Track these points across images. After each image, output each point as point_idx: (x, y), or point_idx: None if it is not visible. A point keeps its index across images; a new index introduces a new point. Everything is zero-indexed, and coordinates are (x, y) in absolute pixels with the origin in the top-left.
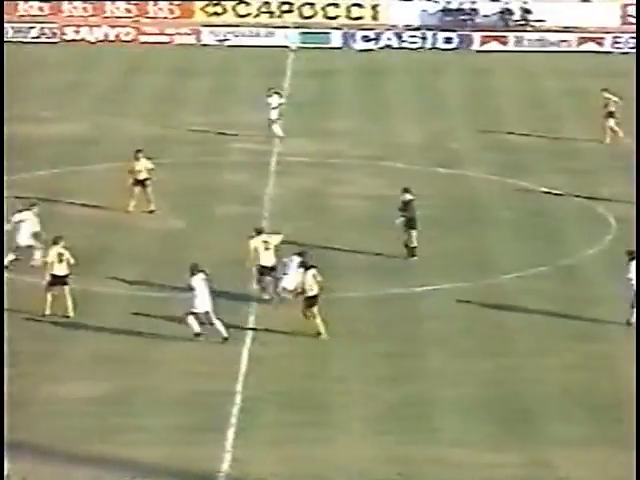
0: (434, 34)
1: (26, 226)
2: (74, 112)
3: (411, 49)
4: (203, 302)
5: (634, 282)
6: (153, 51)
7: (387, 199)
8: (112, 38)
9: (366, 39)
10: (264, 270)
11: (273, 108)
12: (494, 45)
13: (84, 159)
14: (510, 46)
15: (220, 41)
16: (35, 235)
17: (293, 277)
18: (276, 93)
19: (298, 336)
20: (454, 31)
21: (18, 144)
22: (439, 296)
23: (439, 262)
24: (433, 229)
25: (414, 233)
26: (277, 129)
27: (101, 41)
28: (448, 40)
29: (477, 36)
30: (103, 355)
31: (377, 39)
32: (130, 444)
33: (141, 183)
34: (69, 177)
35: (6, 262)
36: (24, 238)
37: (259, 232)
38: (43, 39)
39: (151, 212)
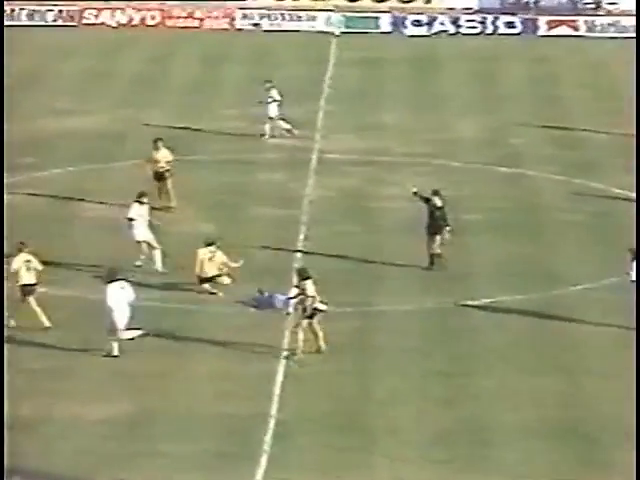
0: (494, 18)
1: (141, 222)
2: (94, 104)
3: (468, 35)
4: (120, 316)
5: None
6: (181, 36)
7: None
8: (136, 22)
9: (418, 24)
10: (202, 280)
11: (273, 102)
12: (562, 30)
13: (105, 156)
14: (580, 31)
15: (254, 25)
16: (150, 228)
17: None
18: (273, 87)
19: (339, 352)
20: (517, 15)
21: (32, 139)
22: (497, 309)
23: (497, 271)
24: (490, 234)
25: (437, 239)
26: (284, 124)
27: (124, 25)
28: (510, 25)
29: (543, 20)
30: (123, 372)
31: (430, 24)
32: (153, 471)
33: (160, 176)
34: (89, 176)
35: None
36: (141, 234)
37: (209, 244)
38: (60, 22)
39: (169, 209)
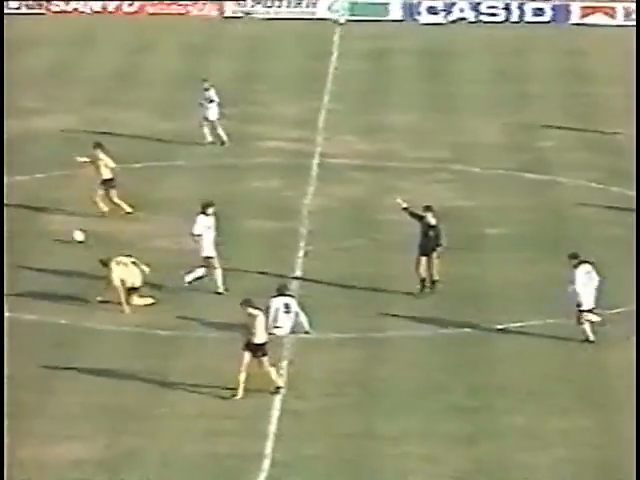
0: (520, 4)
1: (210, 233)
2: (64, 102)
3: (491, 23)
4: None
5: (578, 291)
6: (163, 25)
7: (458, 213)
8: (112, 9)
9: (433, 11)
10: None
11: (211, 104)
12: (597, 18)
13: (77, 162)
14: (617, 19)
15: (247, 13)
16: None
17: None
18: (212, 86)
19: (342, 385)
20: (546, 0)
21: None
22: (524, 336)
23: (524, 293)
24: (516, 250)
25: (432, 261)
26: (221, 132)
27: (98, 12)
28: (538, 12)
29: (576, 6)
30: (100, 407)
31: (448, 11)
32: None
33: (105, 183)
34: (57, 183)
35: (191, 278)
36: (209, 248)
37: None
38: (25, 10)
39: (128, 214)
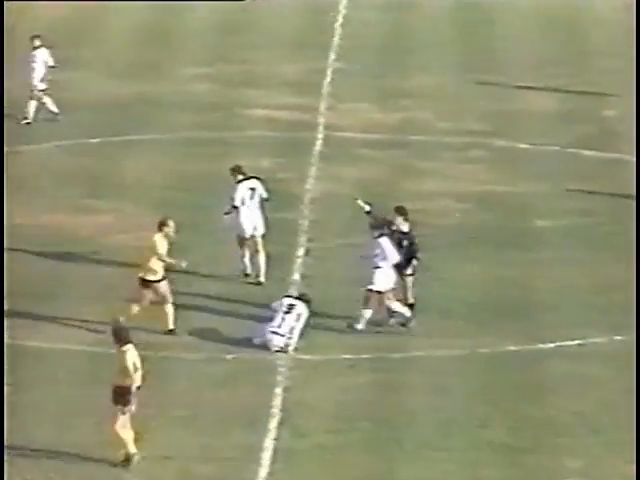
0: None
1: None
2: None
3: None
4: None
5: (378, 265)
6: None
7: (499, 201)
8: None
9: None
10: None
11: (42, 66)
12: None
13: (16, 136)
14: None
15: None
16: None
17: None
18: (42, 46)
19: (350, 418)
20: None
21: None
22: (586, 355)
23: (583, 301)
24: (573, 247)
25: (409, 282)
26: (49, 103)
27: None
28: None
29: None
30: (48, 448)
31: None
32: None
33: None
34: None
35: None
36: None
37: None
38: None
39: None
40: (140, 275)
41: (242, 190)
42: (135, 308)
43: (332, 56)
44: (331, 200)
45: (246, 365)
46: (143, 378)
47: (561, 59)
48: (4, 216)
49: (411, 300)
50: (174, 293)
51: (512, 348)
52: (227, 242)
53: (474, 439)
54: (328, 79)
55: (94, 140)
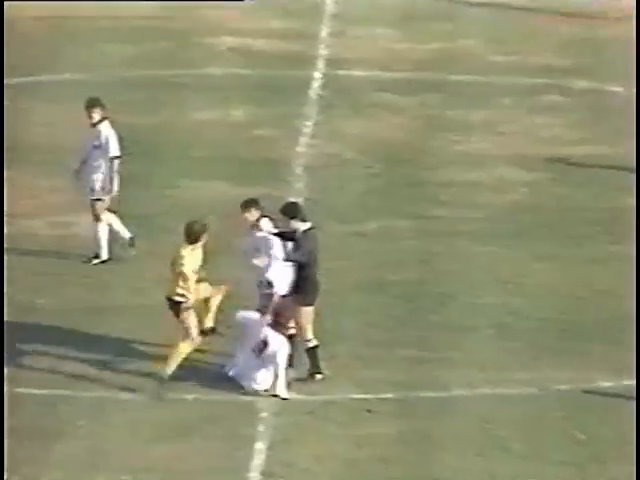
0: None
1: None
2: None
3: None
4: None
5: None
6: None
7: (583, 167)
8: None
9: None
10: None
11: None
12: None
13: None
14: None
15: None
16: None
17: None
18: None
19: (346, 463)
20: None
21: None
22: None
23: None
24: None
25: (308, 311)
26: None
27: None
28: None
29: None
30: None
31: None
32: None
33: None
34: None
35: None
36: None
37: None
38: None
39: None
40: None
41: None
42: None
43: None
44: (333, 169)
45: (214, 409)
46: None
47: None
48: None
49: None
50: None
51: (603, 384)
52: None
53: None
54: None
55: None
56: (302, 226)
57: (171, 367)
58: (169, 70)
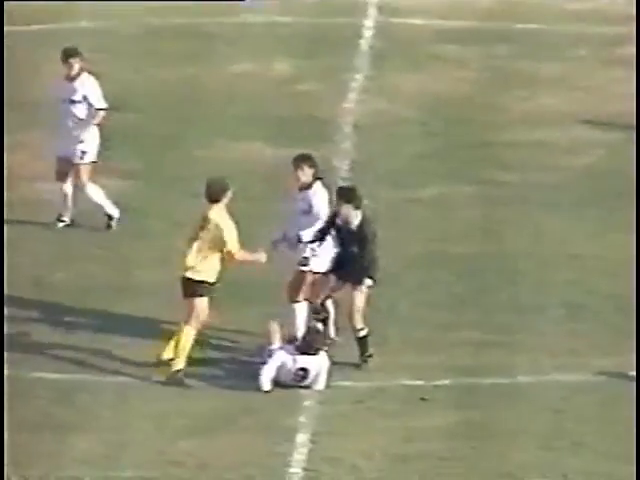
0: None
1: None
2: None
3: None
4: None
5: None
6: None
7: None
8: None
9: None
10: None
11: None
12: None
13: None
14: None
15: None
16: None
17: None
18: None
19: (397, 459)
20: None
21: None
22: None
23: None
24: None
25: (359, 303)
26: None
27: None
28: None
29: None
30: None
31: None
32: None
33: None
34: None
35: None
36: None
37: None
38: None
39: None
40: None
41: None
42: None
43: None
44: (385, 128)
45: (251, 399)
46: None
47: None
48: None
49: (361, 330)
50: None
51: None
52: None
53: None
54: None
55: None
56: (355, 216)
57: (183, 359)
58: (203, 19)
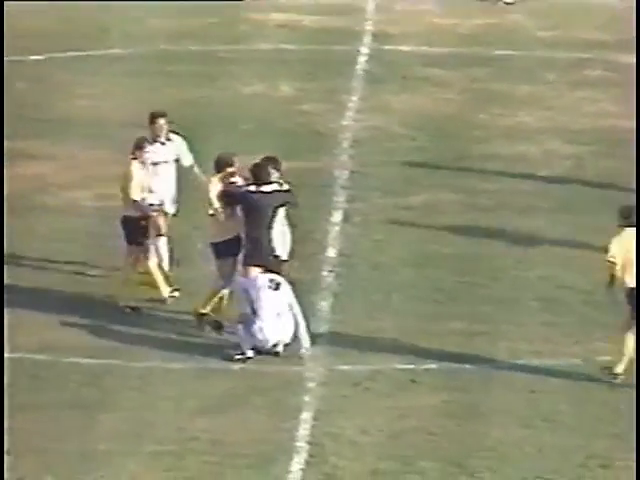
0: None
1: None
2: None
3: None
4: None
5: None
6: None
7: (629, 140)
8: None
9: None
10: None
11: None
12: None
13: None
14: None
15: None
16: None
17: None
18: None
19: (406, 458)
20: None
21: None
22: None
23: None
24: None
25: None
26: None
27: None
28: None
29: None
30: None
31: None
32: None
33: None
34: None
35: None
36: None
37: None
38: None
39: None
40: None
41: None
42: None
43: None
44: (380, 142)
45: (261, 380)
46: None
47: None
48: None
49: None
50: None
51: None
52: None
53: None
54: None
55: (30, 57)
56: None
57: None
58: (217, 46)
